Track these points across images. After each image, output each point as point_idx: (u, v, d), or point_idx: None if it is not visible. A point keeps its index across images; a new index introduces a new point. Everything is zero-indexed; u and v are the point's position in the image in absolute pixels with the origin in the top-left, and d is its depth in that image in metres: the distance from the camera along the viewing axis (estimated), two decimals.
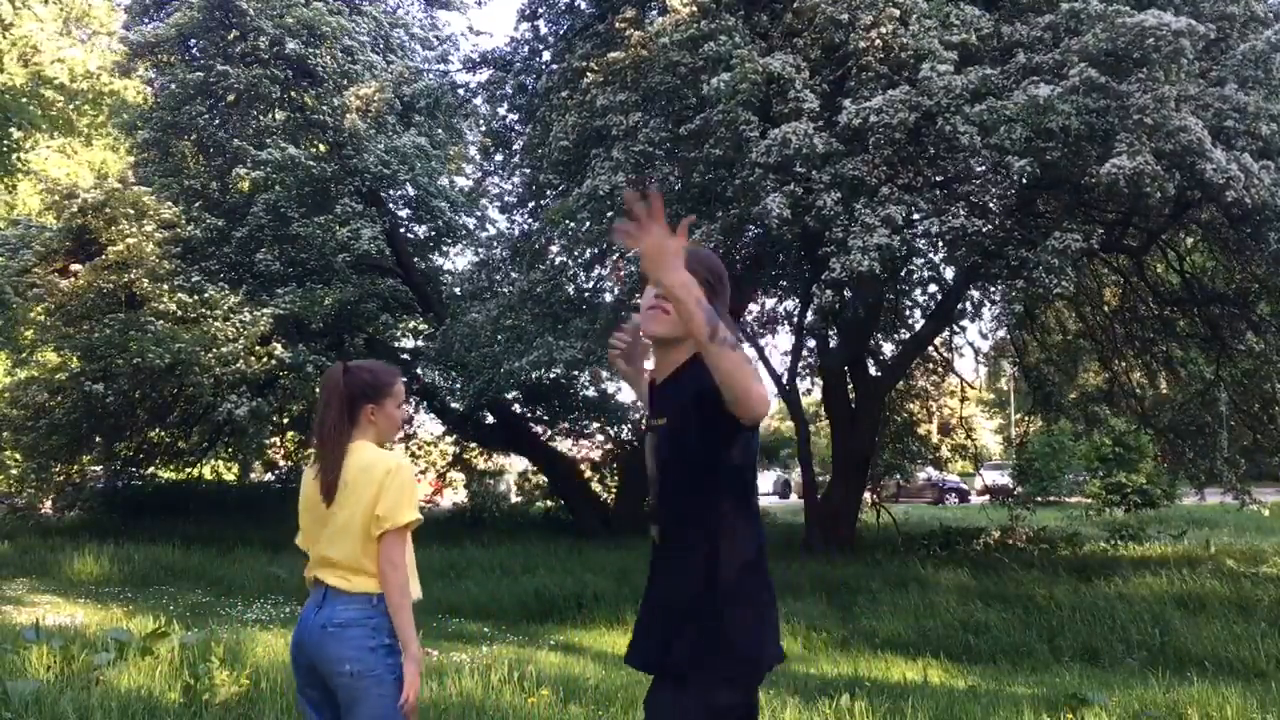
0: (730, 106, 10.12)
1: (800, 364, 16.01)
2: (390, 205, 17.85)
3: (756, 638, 2.16)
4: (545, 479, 20.51)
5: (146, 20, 17.82)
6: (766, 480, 32.94)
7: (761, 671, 2.22)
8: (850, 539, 14.06)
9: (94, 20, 16.87)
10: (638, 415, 18.31)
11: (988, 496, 20.32)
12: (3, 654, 5.32)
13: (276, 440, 19.85)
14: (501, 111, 15.78)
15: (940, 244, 12.20)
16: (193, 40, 17.07)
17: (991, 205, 10.81)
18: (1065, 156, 9.70)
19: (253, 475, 23.42)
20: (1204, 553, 13.90)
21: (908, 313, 16.22)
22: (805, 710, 5.07)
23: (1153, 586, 10.43)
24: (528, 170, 14.61)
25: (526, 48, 15.21)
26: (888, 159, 9.93)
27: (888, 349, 16.80)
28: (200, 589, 11.70)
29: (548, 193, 13.87)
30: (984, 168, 10.07)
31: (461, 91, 16.31)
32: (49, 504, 18.58)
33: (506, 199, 16.78)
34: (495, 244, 16.83)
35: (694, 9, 11.04)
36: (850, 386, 14.84)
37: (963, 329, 16.69)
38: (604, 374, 15.43)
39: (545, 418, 20.30)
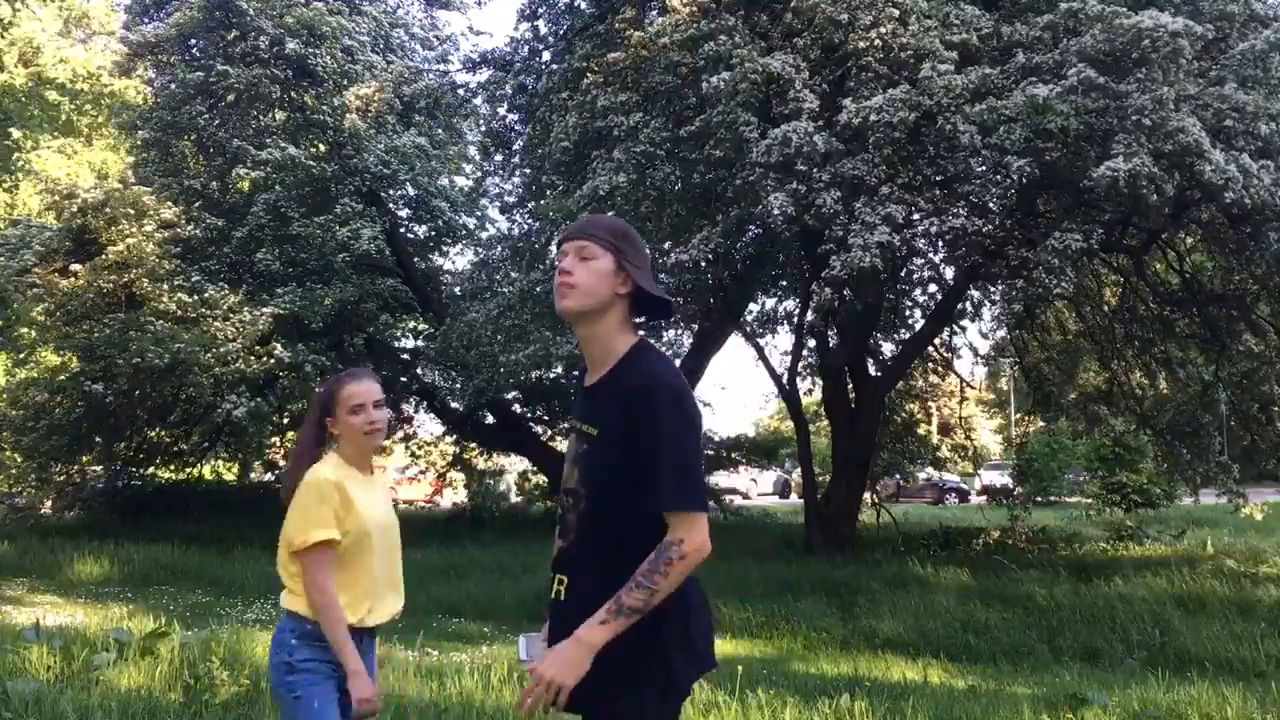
0: (730, 106, 10.11)
1: (800, 364, 16.02)
2: (390, 205, 17.84)
3: (654, 667, 2.00)
4: (545, 479, 20.50)
5: (146, 20, 17.81)
6: (767, 480, 32.95)
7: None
8: (850, 539, 14.05)
9: (94, 20, 16.89)
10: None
11: (987, 497, 20.35)
12: (3, 654, 5.31)
13: (276, 440, 19.83)
14: (501, 111, 15.78)
15: (940, 244, 12.21)
16: (193, 40, 17.07)
17: (991, 205, 10.81)
18: (1065, 157, 9.71)
19: (253, 475, 23.40)
20: (1204, 553, 13.92)
21: (908, 312, 16.24)
22: (805, 710, 5.07)
23: (1153, 586, 10.44)
24: (528, 170, 14.62)
25: (526, 48, 15.22)
26: (888, 158, 9.93)
27: (888, 349, 16.81)
28: (200, 589, 11.69)
29: (548, 193, 13.87)
30: (984, 167, 10.08)
31: (461, 91, 16.31)
32: (49, 504, 18.57)
33: (506, 199, 16.78)
34: (495, 244, 16.83)
35: (694, 9, 11.04)
36: (850, 386, 14.84)
37: (963, 329, 16.71)
38: None
39: (545, 418, 20.29)
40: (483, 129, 17.12)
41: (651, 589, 1.93)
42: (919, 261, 14.01)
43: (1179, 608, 9.56)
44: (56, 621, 7.49)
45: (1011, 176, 9.52)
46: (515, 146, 15.53)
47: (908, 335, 15.83)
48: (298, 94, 17.02)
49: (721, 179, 10.93)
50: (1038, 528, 16.19)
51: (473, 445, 21.23)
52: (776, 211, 9.60)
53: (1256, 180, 8.94)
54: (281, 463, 21.27)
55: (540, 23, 15.16)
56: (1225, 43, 10.18)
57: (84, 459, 17.07)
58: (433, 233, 19.55)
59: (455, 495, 22.84)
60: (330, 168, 15.90)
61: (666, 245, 10.89)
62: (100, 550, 13.17)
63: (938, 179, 10.46)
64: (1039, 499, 21.27)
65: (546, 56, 14.87)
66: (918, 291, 15.59)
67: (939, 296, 14.56)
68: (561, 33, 14.71)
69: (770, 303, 17.09)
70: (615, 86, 11.49)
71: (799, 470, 17.92)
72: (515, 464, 22.90)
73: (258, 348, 14.47)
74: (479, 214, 20.03)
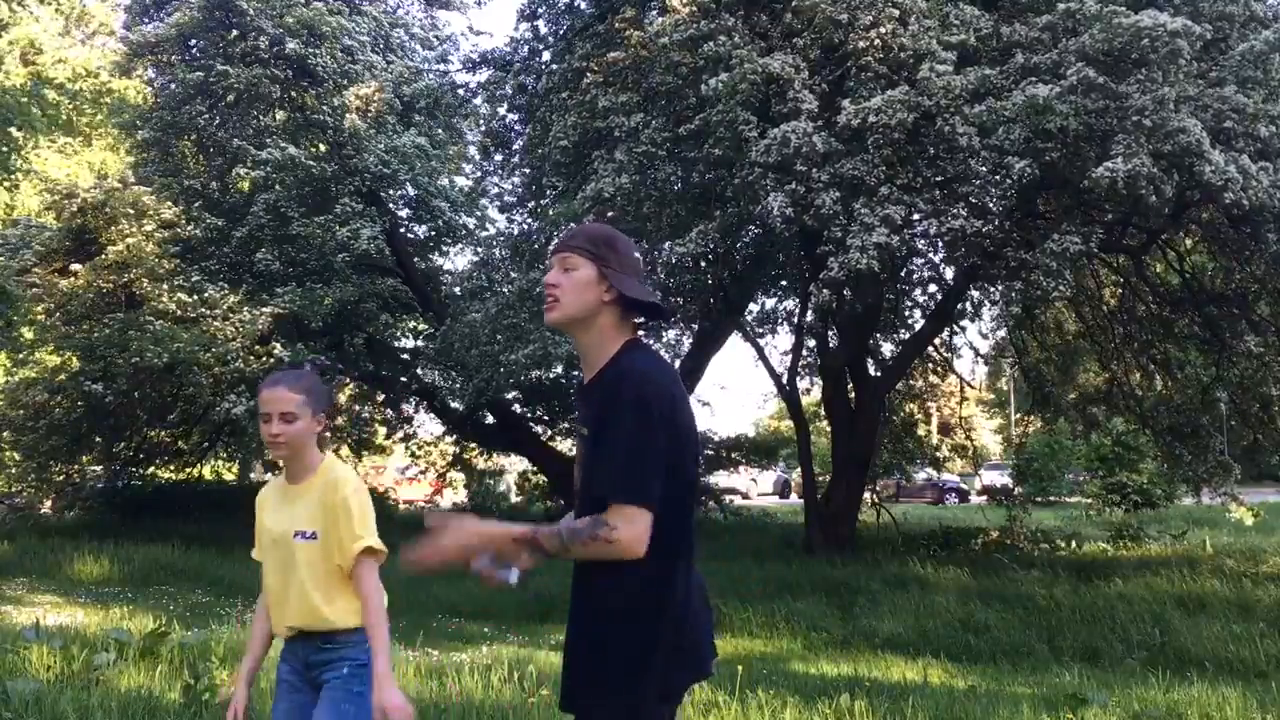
0: (729, 106, 10.12)
1: (800, 364, 16.02)
2: (390, 205, 17.83)
3: (636, 672, 1.97)
4: (545, 479, 20.50)
5: (146, 20, 17.80)
6: (767, 480, 32.94)
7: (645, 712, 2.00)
8: (850, 539, 14.05)
9: (94, 20, 16.88)
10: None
11: (987, 497, 20.34)
12: (3, 654, 5.32)
13: None
14: (501, 111, 15.78)
15: (940, 244, 12.21)
16: (193, 40, 17.05)
17: (991, 206, 10.81)
18: (1064, 157, 9.71)
19: (253, 475, 23.40)
20: (1204, 553, 13.92)
21: (908, 313, 16.24)
22: (805, 710, 5.07)
23: (1153, 586, 10.45)
24: (528, 170, 14.61)
25: (526, 48, 15.22)
26: (887, 159, 9.93)
27: (888, 349, 16.81)
28: (200, 589, 11.69)
29: (548, 193, 13.87)
30: (983, 168, 10.08)
31: (461, 91, 16.31)
32: (49, 504, 18.56)
33: (506, 199, 16.79)
34: (495, 244, 16.82)
35: (693, 9, 11.04)
36: (850, 386, 14.84)
37: (962, 329, 16.72)
38: None
39: (545, 418, 20.28)
40: (483, 129, 17.11)
41: (565, 545, 1.95)
42: (919, 262, 14.02)
43: (1179, 608, 9.57)
44: (56, 621, 7.48)
45: (1011, 177, 9.52)
46: (515, 146, 15.53)
47: (907, 335, 15.83)
48: (298, 94, 17.01)
49: (721, 178, 10.93)
50: (1036, 528, 16.19)
51: (473, 445, 21.23)
52: (775, 212, 9.61)
53: (1256, 182, 8.95)
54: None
55: (540, 23, 15.17)
56: (1225, 44, 10.18)
57: (84, 459, 17.06)
58: (433, 233, 19.54)
59: (455, 495, 22.84)
60: (330, 168, 15.89)
61: (666, 245, 10.90)
62: (100, 550, 13.16)
63: (937, 180, 10.46)
64: (1039, 499, 21.28)
65: (546, 56, 14.87)
66: (917, 291, 15.60)
67: (939, 296, 14.56)
68: (561, 33, 14.71)
69: (770, 303, 17.11)
70: (615, 87, 11.49)
71: (799, 470, 17.93)
72: (515, 464, 22.91)
73: (258, 347, 14.46)
74: (479, 214, 20.01)
